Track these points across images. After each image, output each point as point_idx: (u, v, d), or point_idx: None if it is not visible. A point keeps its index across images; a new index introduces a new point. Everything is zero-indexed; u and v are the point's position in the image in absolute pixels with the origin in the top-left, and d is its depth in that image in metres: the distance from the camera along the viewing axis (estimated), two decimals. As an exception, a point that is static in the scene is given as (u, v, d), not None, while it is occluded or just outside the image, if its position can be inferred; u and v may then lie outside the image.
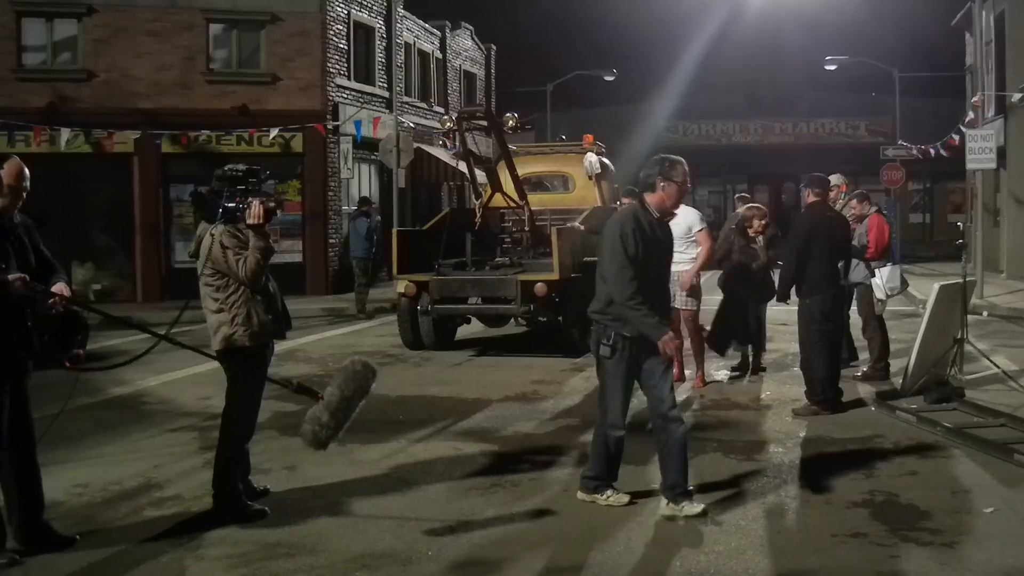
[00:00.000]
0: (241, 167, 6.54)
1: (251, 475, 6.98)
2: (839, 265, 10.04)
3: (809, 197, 10.25)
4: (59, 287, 5.81)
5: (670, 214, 6.87)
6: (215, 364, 6.77)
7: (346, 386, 6.44)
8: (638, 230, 6.52)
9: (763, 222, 11.75)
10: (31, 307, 5.67)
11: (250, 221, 6.30)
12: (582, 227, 14.18)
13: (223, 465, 6.59)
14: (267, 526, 6.41)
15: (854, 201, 12.22)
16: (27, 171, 5.85)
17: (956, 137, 25.25)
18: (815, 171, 11.08)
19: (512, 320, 15.50)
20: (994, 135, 21.74)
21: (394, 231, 15.63)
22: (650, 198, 6.71)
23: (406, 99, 29.76)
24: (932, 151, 29.50)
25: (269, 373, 6.81)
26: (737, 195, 19.70)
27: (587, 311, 6.74)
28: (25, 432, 5.87)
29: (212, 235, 6.42)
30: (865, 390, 10.91)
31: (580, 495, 6.88)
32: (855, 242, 11.54)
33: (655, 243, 6.64)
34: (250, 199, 6.36)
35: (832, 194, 12.25)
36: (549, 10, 57.71)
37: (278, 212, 6.46)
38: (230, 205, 6.39)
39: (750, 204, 12.65)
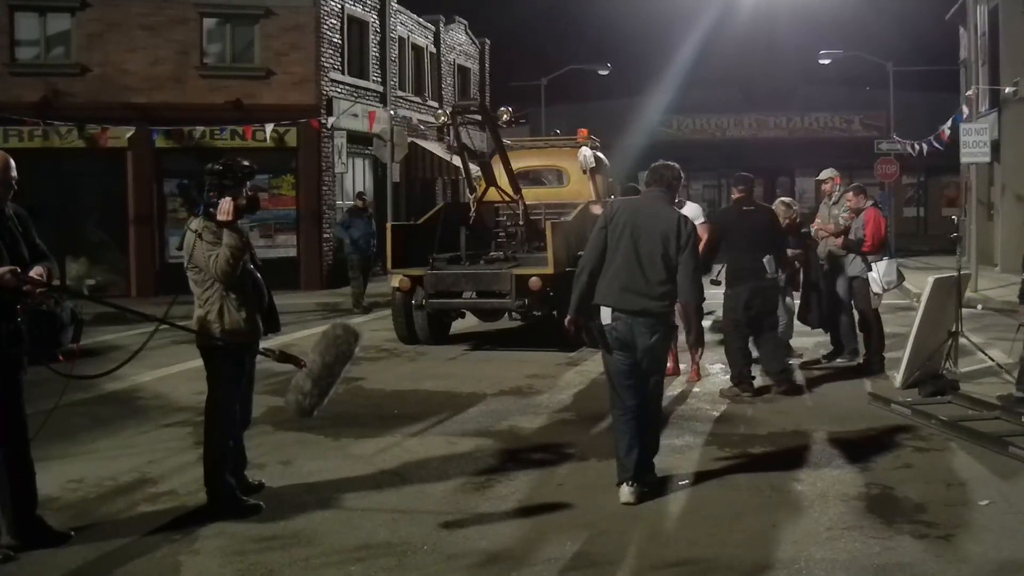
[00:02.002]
0: (221, 163, 6.52)
1: (246, 469, 6.96)
2: (765, 259, 10.29)
3: (734, 194, 11.08)
4: (36, 270, 5.69)
5: None
6: (209, 359, 6.74)
7: (327, 352, 6.37)
8: None
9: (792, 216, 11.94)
10: (23, 302, 5.62)
11: (220, 217, 6.28)
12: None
13: (210, 460, 6.57)
14: (262, 520, 6.40)
15: (850, 194, 12.21)
16: (12, 162, 5.78)
17: (947, 131, 25.22)
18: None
19: (506, 314, 15.48)
20: (988, 129, 21.74)
21: (388, 225, 15.61)
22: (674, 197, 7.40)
23: (400, 94, 29.74)
24: (924, 146, 29.51)
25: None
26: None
27: (661, 309, 6.88)
28: (18, 427, 5.84)
29: (191, 229, 6.42)
30: (860, 383, 10.91)
31: (635, 495, 6.73)
32: (851, 235, 11.55)
33: None
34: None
35: (827, 187, 12.30)
36: (543, 4, 57.64)
37: (250, 209, 6.38)
38: (212, 200, 6.38)
39: (782, 199, 12.69)
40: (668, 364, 10.07)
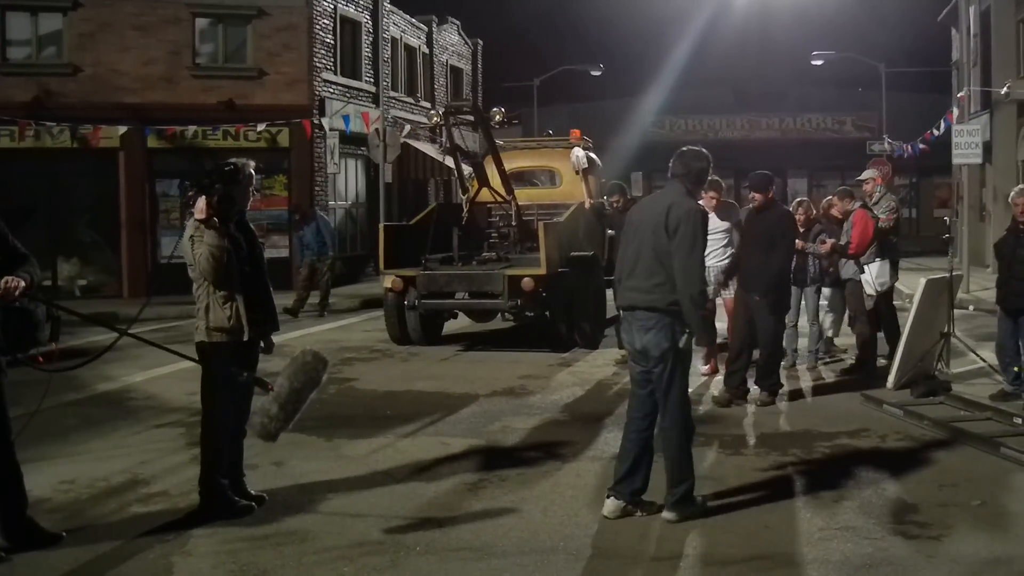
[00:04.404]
0: (214, 165, 6.55)
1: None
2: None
3: (760, 196, 10.16)
4: (5, 279, 5.59)
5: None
6: (201, 359, 6.73)
7: (295, 378, 6.37)
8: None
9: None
10: None
11: (196, 216, 6.31)
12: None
13: (206, 460, 6.57)
14: (254, 522, 6.40)
15: (835, 198, 12.17)
16: None
17: (936, 132, 25.26)
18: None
19: (499, 315, 15.49)
20: (980, 130, 21.79)
21: (381, 226, 15.61)
22: (698, 190, 6.74)
23: (393, 94, 29.71)
24: (912, 149, 29.59)
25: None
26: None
27: (650, 303, 6.26)
28: (1, 430, 5.81)
29: (187, 227, 6.46)
30: (852, 385, 10.92)
31: (611, 508, 6.37)
32: (841, 240, 11.53)
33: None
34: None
35: (867, 187, 11.99)
36: (536, 5, 57.65)
37: (224, 207, 6.32)
38: (191, 199, 6.42)
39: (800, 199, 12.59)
40: (707, 366, 9.98)
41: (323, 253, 19.36)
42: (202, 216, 6.28)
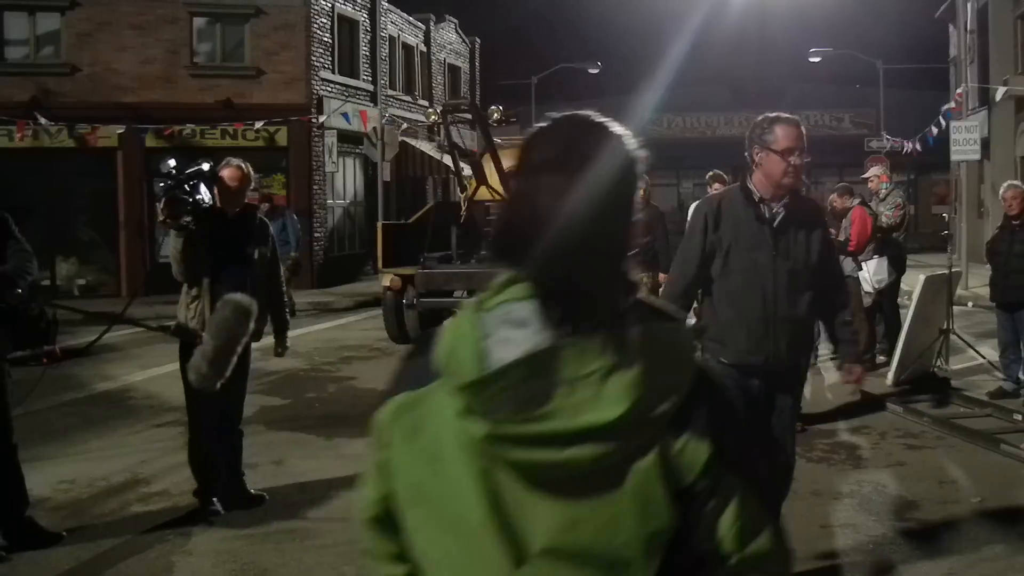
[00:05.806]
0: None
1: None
2: None
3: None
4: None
5: (781, 194, 4.87)
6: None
7: (218, 336, 5.93)
8: (717, 215, 4.93)
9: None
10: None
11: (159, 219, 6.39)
12: None
13: (191, 454, 6.58)
14: (255, 521, 6.39)
15: (834, 195, 12.17)
16: None
17: (935, 129, 25.26)
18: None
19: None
20: (978, 127, 21.80)
21: (379, 224, 15.61)
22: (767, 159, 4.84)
23: (390, 92, 29.71)
24: (912, 145, 29.58)
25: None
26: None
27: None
28: (2, 430, 5.79)
29: None
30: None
31: None
32: (839, 236, 11.53)
33: (751, 235, 4.86)
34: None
35: (872, 184, 11.96)
36: (534, 3, 57.69)
37: (171, 209, 6.28)
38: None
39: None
40: None
41: (284, 252, 19.06)
42: (161, 217, 6.36)
